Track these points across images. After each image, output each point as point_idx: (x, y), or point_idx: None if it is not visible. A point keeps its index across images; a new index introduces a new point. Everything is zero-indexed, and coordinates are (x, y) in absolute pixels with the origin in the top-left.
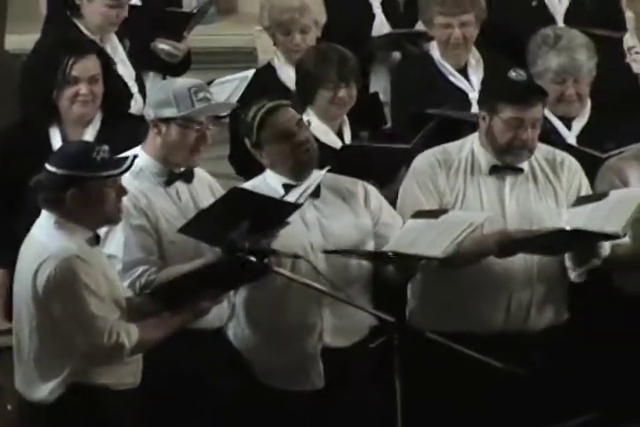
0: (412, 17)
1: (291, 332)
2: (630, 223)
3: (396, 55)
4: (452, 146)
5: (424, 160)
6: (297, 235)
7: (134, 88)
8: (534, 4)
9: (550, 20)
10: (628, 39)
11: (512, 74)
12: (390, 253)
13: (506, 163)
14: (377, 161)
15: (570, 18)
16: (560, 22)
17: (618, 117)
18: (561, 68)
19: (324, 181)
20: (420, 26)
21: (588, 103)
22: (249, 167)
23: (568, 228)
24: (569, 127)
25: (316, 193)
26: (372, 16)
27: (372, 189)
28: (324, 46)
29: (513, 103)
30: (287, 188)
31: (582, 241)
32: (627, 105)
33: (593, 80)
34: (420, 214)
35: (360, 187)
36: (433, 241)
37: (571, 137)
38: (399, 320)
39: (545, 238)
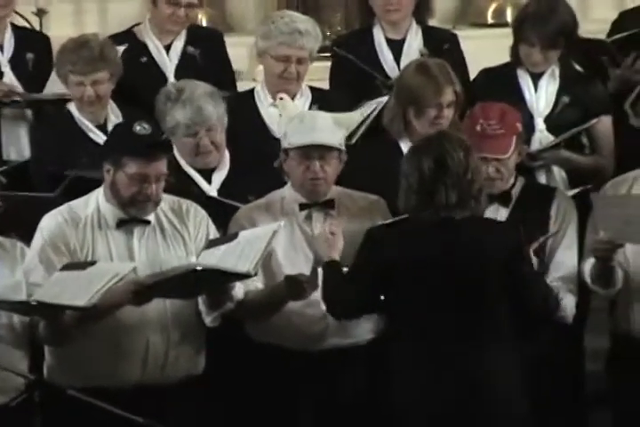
0: (42, 76)
1: None
2: (260, 262)
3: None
4: (76, 203)
5: (51, 221)
6: None
7: None
8: (144, 60)
9: (162, 75)
10: (260, 91)
11: (137, 128)
12: (34, 302)
13: (132, 215)
14: (24, 211)
15: (181, 73)
16: (171, 78)
17: (257, 170)
18: (190, 121)
19: None
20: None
21: (227, 155)
22: None
23: (199, 267)
24: (209, 181)
25: None
26: (1, 74)
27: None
28: None
29: (137, 158)
30: None
31: (216, 281)
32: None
33: (227, 129)
34: (68, 267)
35: (18, 245)
36: (78, 292)
37: (212, 190)
38: (39, 377)
39: (178, 280)
